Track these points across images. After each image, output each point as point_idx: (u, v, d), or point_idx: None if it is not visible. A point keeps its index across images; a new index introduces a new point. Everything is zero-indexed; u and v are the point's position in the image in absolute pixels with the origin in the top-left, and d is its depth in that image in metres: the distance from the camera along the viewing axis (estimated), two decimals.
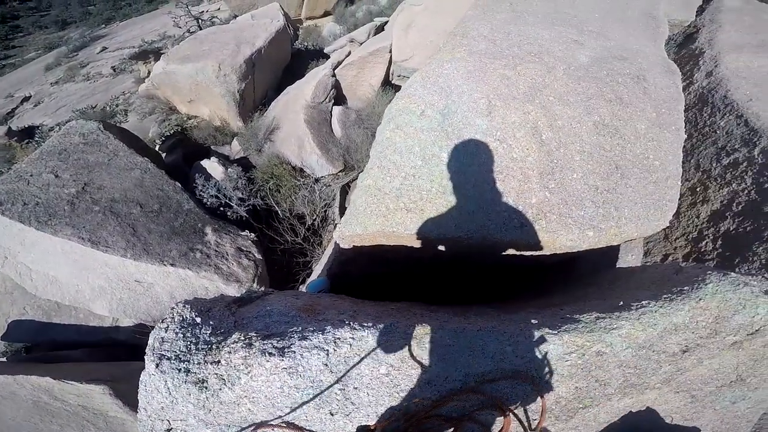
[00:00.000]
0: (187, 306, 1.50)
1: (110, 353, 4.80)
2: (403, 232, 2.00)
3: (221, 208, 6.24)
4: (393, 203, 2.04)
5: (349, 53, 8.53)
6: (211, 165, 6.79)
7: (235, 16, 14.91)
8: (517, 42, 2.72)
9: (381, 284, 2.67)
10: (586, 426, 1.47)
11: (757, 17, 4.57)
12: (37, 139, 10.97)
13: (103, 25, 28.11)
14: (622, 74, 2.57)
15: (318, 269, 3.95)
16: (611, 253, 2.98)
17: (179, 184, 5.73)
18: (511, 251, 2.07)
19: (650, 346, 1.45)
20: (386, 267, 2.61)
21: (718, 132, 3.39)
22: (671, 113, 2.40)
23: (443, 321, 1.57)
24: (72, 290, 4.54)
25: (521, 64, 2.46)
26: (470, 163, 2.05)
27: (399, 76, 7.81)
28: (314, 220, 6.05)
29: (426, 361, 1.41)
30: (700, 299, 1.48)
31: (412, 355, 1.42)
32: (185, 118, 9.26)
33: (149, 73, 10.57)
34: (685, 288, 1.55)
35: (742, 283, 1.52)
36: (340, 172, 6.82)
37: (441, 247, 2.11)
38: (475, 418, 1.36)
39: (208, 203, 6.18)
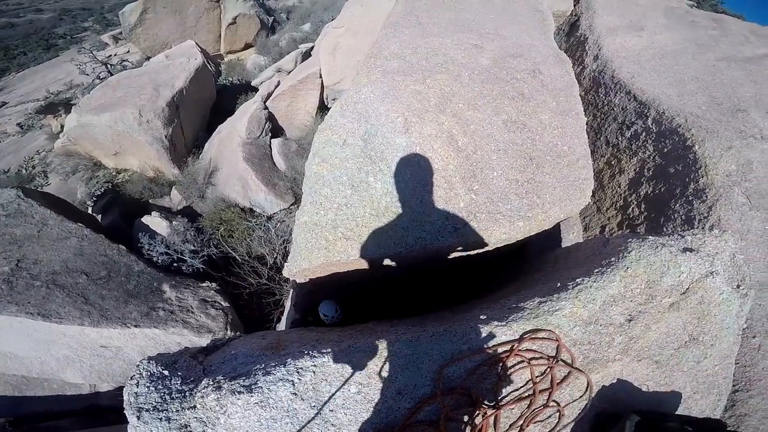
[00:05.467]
0: (151, 362, 1.55)
1: (98, 419, 4.56)
2: (347, 259, 2.03)
3: (175, 264, 5.91)
4: (331, 234, 2.06)
5: (279, 83, 8.45)
6: (154, 221, 6.39)
7: (148, 58, 14.20)
8: (425, 55, 2.85)
9: (358, 304, 2.70)
10: (567, 405, 1.51)
11: None
12: None
13: None
14: (520, 71, 2.79)
15: (288, 304, 3.91)
16: (554, 234, 3.17)
17: (123, 247, 5.39)
18: (454, 254, 2.15)
19: (596, 320, 1.55)
20: (348, 290, 2.62)
21: (615, 109, 3.74)
22: (569, 100, 2.64)
23: (400, 333, 1.61)
24: (36, 363, 4.37)
25: (430, 77, 2.59)
26: (397, 182, 2.12)
27: (333, 99, 7.79)
28: (275, 258, 5.87)
29: (392, 374, 1.47)
30: (627, 268, 1.60)
31: (375, 370, 1.47)
32: (114, 173, 8.67)
33: (62, 127, 9.73)
34: (612, 259, 1.67)
35: (659, 245, 1.64)
36: (291, 205, 6.70)
37: (388, 263, 2.15)
38: (454, 416, 1.41)
39: (159, 261, 5.83)
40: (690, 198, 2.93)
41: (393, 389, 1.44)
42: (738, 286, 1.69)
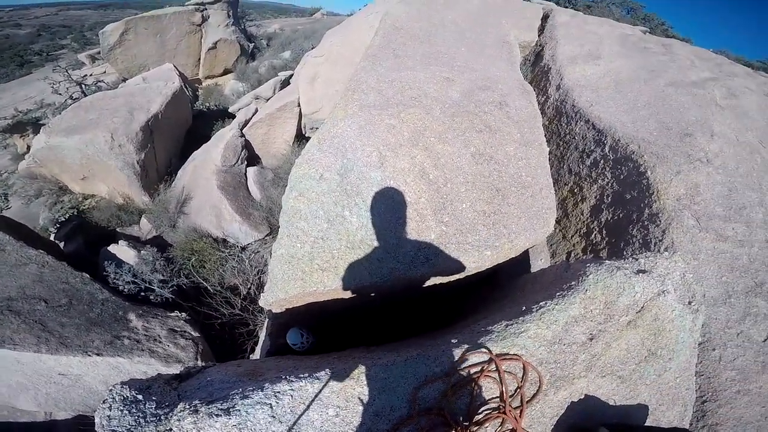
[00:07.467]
0: (125, 386, 1.54)
1: None
2: (324, 289, 2.07)
3: (142, 293, 5.74)
4: (307, 266, 2.10)
5: (256, 110, 8.49)
6: (121, 249, 6.19)
7: (125, 80, 14.06)
8: (400, 88, 2.99)
9: (336, 332, 2.71)
10: (538, 422, 1.58)
11: (581, 29, 5.43)
12: None
13: None
14: (487, 103, 2.96)
15: (263, 334, 3.86)
16: (523, 261, 3.29)
17: (87, 275, 5.28)
18: (428, 283, 2.22)
19: (559, 340, 1.64)
20: (325, 319, 2.63)
21: (576, 138, 3.92)
22: (532, 131, 2.82)
23: (376, 358, 1.66)
24: None
25: (404, 111, 2.72)
26: (372, 215, 2.20)
27: (311, 128, 7.86)
28: (249, 288, 5.80)
29: (368, 397, 1.51)
30: (587, 290, 1.71)
31: (353, 393, 1.51)
32: (80, 199, 8.35)
33: (29, 148, 9.48)
34: (572, 283, 1.78)
35: (615, 268, 1.77)
36: (267, 236, 6.63)
37: (364, 293, 2.19)
38: None
39: (126, 290, 5.65)
40: (646, 223, 3.08)
41: (371, 412, 1.47)
42: (689, 303, 1.82)
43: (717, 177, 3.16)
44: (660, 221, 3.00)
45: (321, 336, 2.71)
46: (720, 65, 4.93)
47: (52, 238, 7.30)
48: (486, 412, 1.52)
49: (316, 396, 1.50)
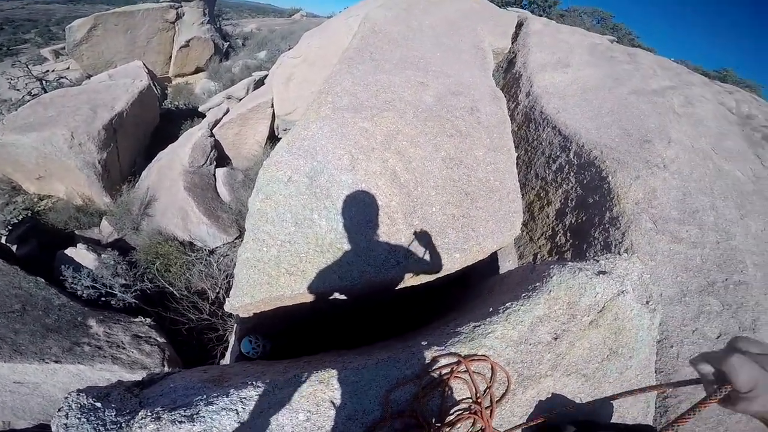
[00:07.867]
0: (81, 394, 1.49)
1: None
2: (291, 293, 2.03)
3: (103, 298, 5.51)
4: (274, 270, 2.06)
5: (228, 110, 8.28)
6: (79, 253, 5.88)
7: (89, 76, 13.39)
8: (375, 92, 2.98)
9: (307, 337, 2.65)
10: (508, 422, 1.59)
11: (554, 37, 5.58)
12: None
13: None
14: (459, 108, 3.00)
15: (232, 339, 3.78)
16: (492, 263, 3.34)
17: (42, 279, 5.10)
18: (400, 285, 2.23)
19: (525, 340, 1.67)
20: (296, 324, 2.58)
21: (543, 144, 4.04)
22: (501, 137, 2.89)
23: (347, 362, 1.64)
24: None
25: (378, 115, 2.72)
26: (342, 218, 2.18)
27: (284, 130, 7.74)
28: (218, 293, 5.63)
29: (340, 401, 1.48)
30: (551, 291, 1.74)
31: (324, 398, 1.48)
32: (35, 199, 7.87)
33: None
34: (537, 284, 1.82)
35: (577, 270, 1.82)
36: (236, 239, 6.46)
37: (334, 297, 2.17)
38: None
39: (85, 295, 5.42)
40: (607, 226, 3.20)
41: (343, 415, 1.46)
42: (647, 303, 1.88)
43: (673, 182, 3.32)
44: (620, 224, 3.12)
45: (292, 340, 2.66)
46: (679, 74, 5.19)
47: (3, 240, 6.85)
48: (457, 412, 1.53)
49: (268, 395, 1.46)
